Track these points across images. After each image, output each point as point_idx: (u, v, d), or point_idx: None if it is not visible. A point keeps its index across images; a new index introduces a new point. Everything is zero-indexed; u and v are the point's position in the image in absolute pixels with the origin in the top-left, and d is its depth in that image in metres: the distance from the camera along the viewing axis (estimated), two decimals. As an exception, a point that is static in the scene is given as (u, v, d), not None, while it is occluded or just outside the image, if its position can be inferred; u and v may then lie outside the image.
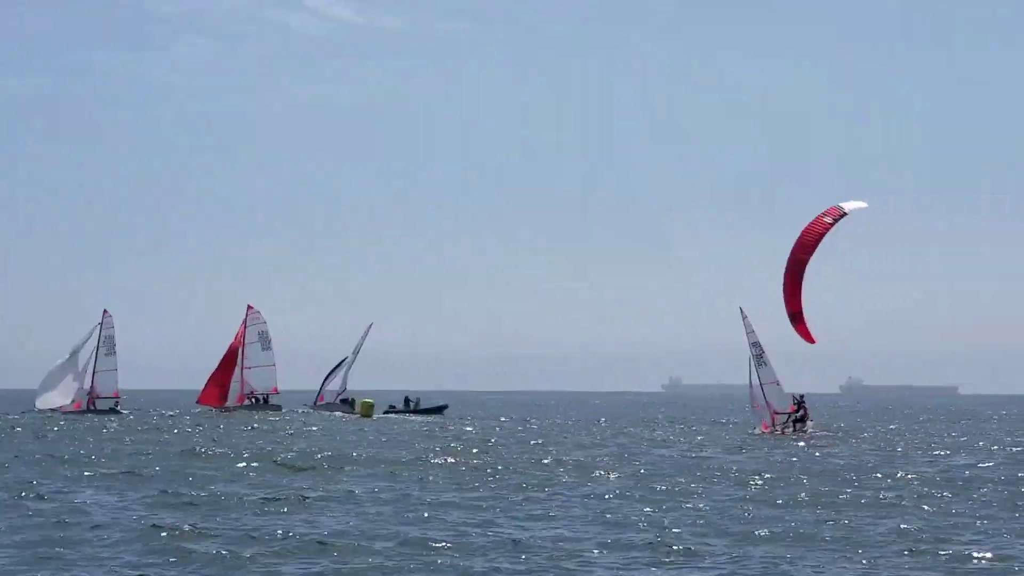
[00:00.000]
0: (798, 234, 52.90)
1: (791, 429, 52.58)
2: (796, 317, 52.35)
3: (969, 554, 18.36)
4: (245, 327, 77.88)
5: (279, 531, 20.05)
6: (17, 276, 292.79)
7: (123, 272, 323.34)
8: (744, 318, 52.72)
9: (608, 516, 22.40)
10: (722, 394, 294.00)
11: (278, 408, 76.28)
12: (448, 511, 23.04)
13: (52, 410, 70.83)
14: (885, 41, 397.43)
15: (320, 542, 19.03)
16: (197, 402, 78.67)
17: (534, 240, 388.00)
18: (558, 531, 20.51)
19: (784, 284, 52.34)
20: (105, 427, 55.26)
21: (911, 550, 18.70)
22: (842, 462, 36.77)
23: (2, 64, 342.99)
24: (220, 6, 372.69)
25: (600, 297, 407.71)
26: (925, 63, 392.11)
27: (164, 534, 19.70)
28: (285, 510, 23.09)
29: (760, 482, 29.33)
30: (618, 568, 17.31)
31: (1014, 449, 45.74)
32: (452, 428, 58.69)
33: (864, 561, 17.85)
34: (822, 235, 51.92)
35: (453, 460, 35.48)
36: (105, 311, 74.26)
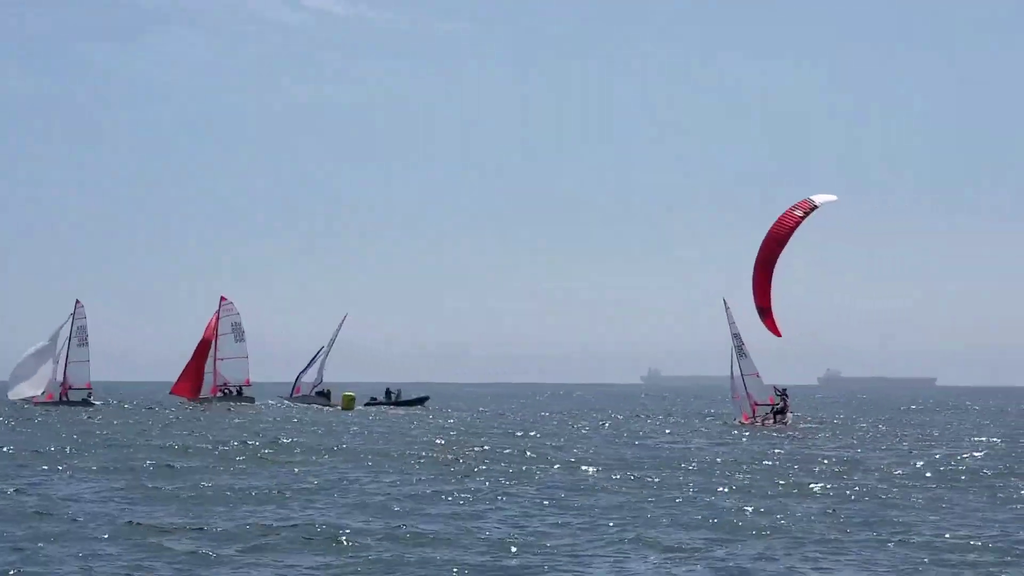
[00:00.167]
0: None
1: (771, 420, 52.73)
2: (764, 311, 52.28)
3: (949, 541, 18.28)
4: (218, 318, 77.58)
5: (263, 524, 19.82)
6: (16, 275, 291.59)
7: (123, 271, 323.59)
8: (727, 309, 52.81)
9: (595, 509, 22.25)
10: (700, 385, 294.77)
11: (251, 400, 76.14)
12: (432, 503, 22.86)
13: (24, 401, 70.64)
14: (885, 41, 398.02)
15: (306, 536, 18.82)
16: (170, 393, 78.54)
17: (534, 240, 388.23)
18: (542, 523, 20.34)
19: (754, 277, 52.17)
20: (79, 419, 54.89)
21: (888, 540, 18.61)
22: (822, 452, 36.76)
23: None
24: (218, 2, 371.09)
25: (600, 297, 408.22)
26: (925, 63, 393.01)
27: (145, 528, 19.44)
28: (269, 503, 22.85)
29: (741, 474, 29.26)
30: (598, 557, 17.16)
31: (997, 440, 45.86)
32: (433, 420, 58.55)
33: (841, 552, 17.75)
34: (793, 229, 51.87)
35: (435, 453, 35.32)
36: (77, 301, 73.94)
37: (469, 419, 61.74)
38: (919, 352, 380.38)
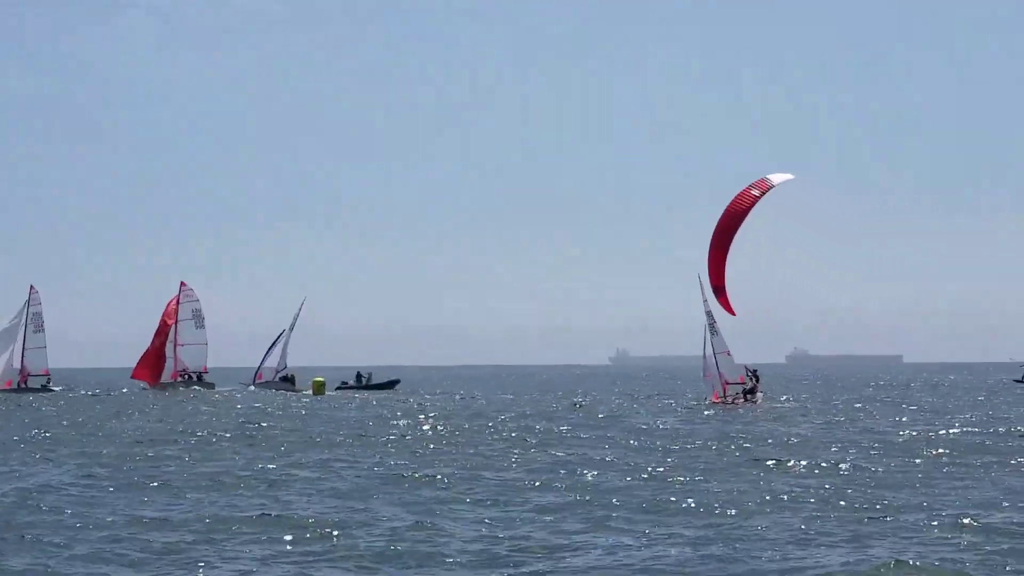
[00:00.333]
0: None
1: (742, 400, 52.71)
2: (719, 290, 52.26)
3: (935, 516, 18.17)
4: (178, 303, 77.07)
5: (243, 513, 19.49)
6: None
7: (123, 271, 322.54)
8: (702, 287, 52.59)
9: (570, 493, 22.06)
10: (668, 366, 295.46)
11: (211, 386, 75.85)
12: (414, 490, 22.60)
13: None
14: (885, 41, 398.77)
15: (285, 525, 18.49)
16: (131, 377, 78.15)
17: (534, 240, 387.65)
18: (523, 507, 20.13)
19: (709, 256, 52.11)
20: (43, 407, 54.30)
21: (875, 517, 18.49)
22: (790, 430, 36.75)
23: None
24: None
25: (600, 297, 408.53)
26: (925, 63, 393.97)
27: (125, 520, 19.07)
28: (247, 491, 22.49)
29: (709, 451, 29.17)
30: (580, 537, 16.97)
31: (966, 415, 46.02)
32: (405, 403, 58.28)
33: (827, 532, 17.61)
34: (749, 208, 51.93)
35: (411, 437, 35.07)
36: (32, 287, 73.43)
37: (441, 403, 61.48)
38: (885, 329, 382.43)
